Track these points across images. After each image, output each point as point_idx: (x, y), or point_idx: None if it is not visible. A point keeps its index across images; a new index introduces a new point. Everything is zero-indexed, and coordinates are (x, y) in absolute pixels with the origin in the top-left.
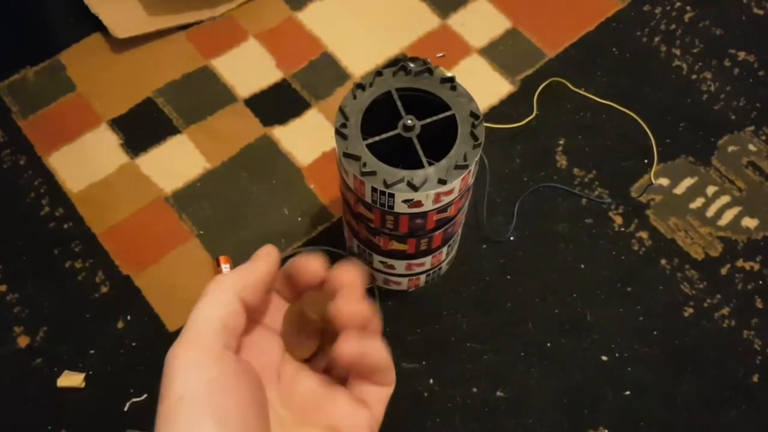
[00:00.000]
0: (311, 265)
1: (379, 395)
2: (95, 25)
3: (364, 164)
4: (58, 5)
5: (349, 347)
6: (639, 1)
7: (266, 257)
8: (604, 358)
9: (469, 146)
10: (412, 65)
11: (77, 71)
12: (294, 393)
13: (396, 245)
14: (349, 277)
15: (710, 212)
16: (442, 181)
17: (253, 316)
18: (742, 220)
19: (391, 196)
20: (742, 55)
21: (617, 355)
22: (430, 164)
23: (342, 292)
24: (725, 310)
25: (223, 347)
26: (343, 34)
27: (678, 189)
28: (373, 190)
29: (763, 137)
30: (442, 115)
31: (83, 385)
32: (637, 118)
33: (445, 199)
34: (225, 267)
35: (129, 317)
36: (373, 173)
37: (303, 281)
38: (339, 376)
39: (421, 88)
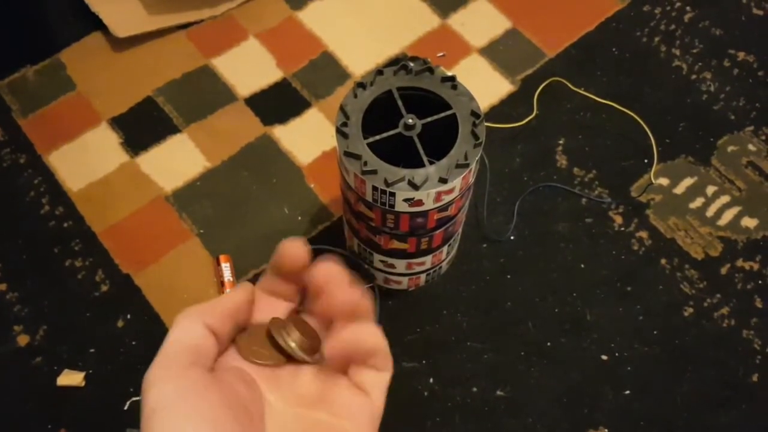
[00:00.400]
0: (293, 249)
1: (376, 381)
2: (95, 23)
3: (365, 163)
4: (58, 4)
5: (336, 344)
6: (639, 2)
7: (238, 291)
8: (604, 357)
9: (470, 145)
10: (412, 64)
11: (77, 70)
12: (295, 390)
13: (396, 244)
14: (330, 271)
15: (710, 212)
16: (442, 180)
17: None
18: (741, 220)
19: (392, 194)
20: (741, 55)
21: (617, 354)
22: (431, 163)
23: (328, 288)
24: (725, 310)
25: (191, 364)
26: (343, 33)
27: (678, 189)
28: (374, 188)
29: (763, 137)
30: (442, 114)
31: (83, 383)
32: (637, 117)
33: (446, 198)
34: (225, 266)
35: (129, 316)
36: (373, 172)
37: (287, 267)
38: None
39: (422, 87)
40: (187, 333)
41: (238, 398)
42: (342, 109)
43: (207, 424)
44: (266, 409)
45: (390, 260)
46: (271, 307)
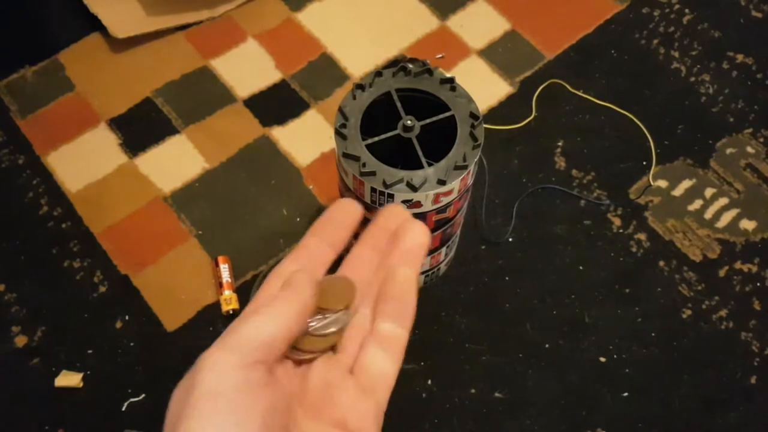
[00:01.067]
0: (350, 203)
1: (384, 371)
2: (94, 25)
3: (364, 164)
4: (58, 5)
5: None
6: (638, 4)
7: (298, 305)
8: (602, 359)
9: (469, 147)
10: (411, 66)
11: (76, 71)
12: (304, 385)
13: None
14: (405, 212)
15: (708, 214)
16: (441, 182)
17: None
18: (740, 222)
19: (391, 196)
20: (740, 57)
21: (615, 356)
22: (430, 165)
23: (404, 225)
24: (723, 312)
25: (262, 359)
26: (342, 35)
27: (676, 191)
28: (373, 190)
29: (761, 139)
30: (441, 116)
31: (81, 384)
32: (635, 119)
33: (444, 200)
34: (223, 267)
35: (127, 317)
36: (372, 173)
37: (339, 219)
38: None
39: (420, 89)
40: (269, 327)
41: (285, 410)
42: (341, 110)
43: (256, 426)
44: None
45: None
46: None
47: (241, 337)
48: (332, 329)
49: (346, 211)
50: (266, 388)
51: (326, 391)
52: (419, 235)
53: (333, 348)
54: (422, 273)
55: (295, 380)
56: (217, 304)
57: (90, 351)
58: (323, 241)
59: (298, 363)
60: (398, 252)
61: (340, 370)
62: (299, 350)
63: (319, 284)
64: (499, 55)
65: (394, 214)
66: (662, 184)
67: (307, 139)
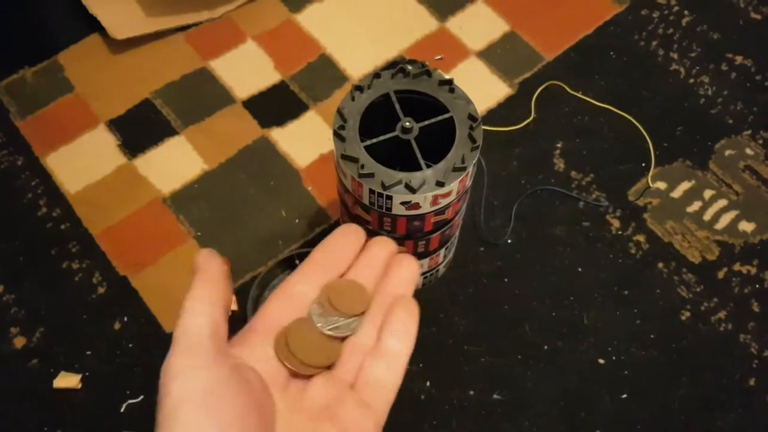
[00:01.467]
0: (355, 231)
1: (384, 386)
2: (94, 26)
3: (362, 166)
4: (57, 6)
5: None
6: (637, 5)
7: (213, 271)
8: (601, 361)
9: (467, 148)
10: (410, 67)
11: (75, 72)
12: (304, 400)
13: None
14: (392, 244)
15: (707, 216)
16: (439, 184)
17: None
18: (739, 224)
19: (389, 198)
20: (739, 59)
21: (614, 358)
22: (428, 166)
23: (396, 259)
24: (722, 314)
25: (216, 353)
26: (341, 36)
27: (675, 192)
28: (371, 191)
29: (760, 141)
30: (440, 118)
31: (80, 386)
32: (634, 121)
33: (443, 202)
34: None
35: (126, 318)
36: (371, 175)
37: (342, 243)
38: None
39: (419, 90)
40: (206, 318)
41: (260, 401)
42: (339, 112)
43: (233, 426)
44: (276, 416)
45: None
46: (293, 306)
47: (190, 335)
48: (344, 333)
49: (351, 236)
50: (237, 386)
51: (325, 405)
52: (412, 265)
53: (330, 366)
54: (421, 274)
55: (292, 392)
56: None
57: (89, 352)
58: (328, 264)
59: (294, 374)
60: (396, 279)
61: (340, 385)
62: (300, 362)
63: (334, 285)
64: (498, 56)
65: (383, 246)
66: (661, 185)
67: (306, 140)
